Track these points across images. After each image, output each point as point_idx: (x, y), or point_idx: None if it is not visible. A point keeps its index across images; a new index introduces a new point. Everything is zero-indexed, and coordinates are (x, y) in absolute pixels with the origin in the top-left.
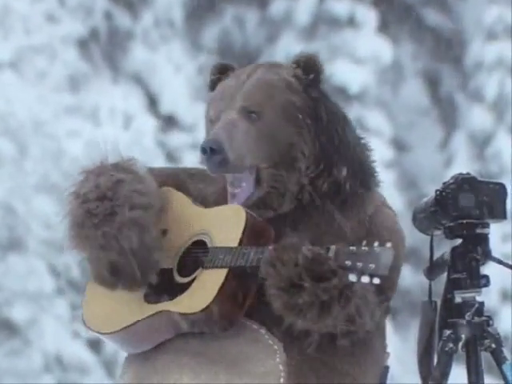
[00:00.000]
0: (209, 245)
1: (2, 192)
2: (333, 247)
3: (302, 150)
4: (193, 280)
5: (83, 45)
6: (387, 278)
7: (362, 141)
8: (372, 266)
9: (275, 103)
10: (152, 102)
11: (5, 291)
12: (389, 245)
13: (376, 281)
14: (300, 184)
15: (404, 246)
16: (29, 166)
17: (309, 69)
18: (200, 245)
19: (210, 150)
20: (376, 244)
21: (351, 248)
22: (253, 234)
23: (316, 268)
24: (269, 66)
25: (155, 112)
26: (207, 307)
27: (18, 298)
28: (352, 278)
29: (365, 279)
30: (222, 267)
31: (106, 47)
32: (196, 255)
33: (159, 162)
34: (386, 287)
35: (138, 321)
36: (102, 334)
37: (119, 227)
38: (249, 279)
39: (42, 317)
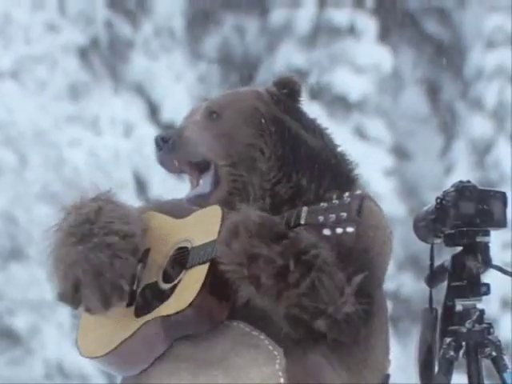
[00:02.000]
0: (189, 248)
1: (3, 201)
2: (305, 208)
3: (262, 150)
4: (178, 283)
5: (84, 54)
6: (355, 253)
7: (338, 148)
8: (344, 214)
9: (238, 106)
10: (153, 111)
11: (6, 300)
12: (358, 192)
13: (350, 229)
14: (263, 188)
15: (391, 241)
16: (30, 174)
17: (283, 85)
18: (183, 251)
19: (161, 139)
20: (346, 194)
21: (322, 204)
22: None
23: (266, 232)
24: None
25: (156, 121)
26: (192, 302)
27: (20, 307)
28: (326, 231)
29: (339, 230)
30: (203, 263)
31: (106, 56)
32: (179, 261)
33: (159, 171)
34: (352, 259)
35: (128, 336)
36: (96, 358)
37: (93, 247)
38: None
39: (44, 325)
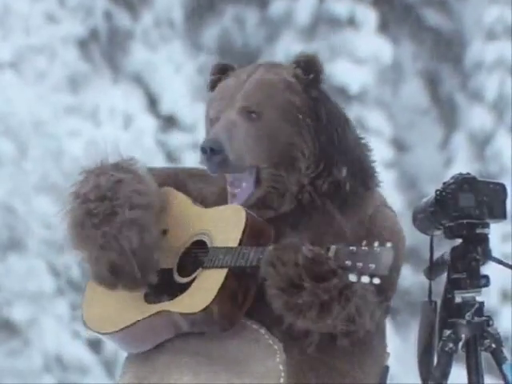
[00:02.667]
0: (209, 245)
1: (1, 192)
2: (333, 247)
3: (302, 150)
4: (193, 280)
5: (83, 45)
6: (387, 279)
7: (362, 141)
8: (372, 266)
9: (275, 103)
10: (152, 102)
11: (5, 291)
12: (389, 245)
13: (376, 281)
14: (300, 184)
15: (404, 246)
16: (29, 165)
17: (309, 69)
18: (200, 245)
19: (210, 150)
20: (376, 244)
21: (351, 248)
22: (253, 234)
23: (316, 268)
24: (269, 65)
25: (155, 112)
26: (207, 307)
27: (18, 298)
28: (352, 278)
29: (365, 279)
30: (221, 267)
31: (105, 47)
32: (196, 255)
33: (159, 162)
34: (386, 287)
35: (138, 321)
36: (102, 334)
37: (119, 227)
38: (249, 279)
39: (42, 317)
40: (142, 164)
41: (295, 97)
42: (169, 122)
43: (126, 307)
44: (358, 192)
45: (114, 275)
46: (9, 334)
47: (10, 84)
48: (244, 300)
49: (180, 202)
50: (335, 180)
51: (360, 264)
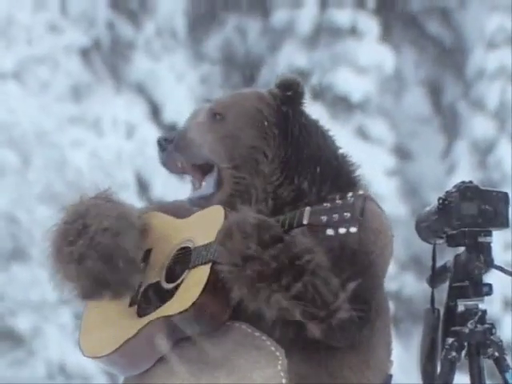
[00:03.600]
0: (192, 248)
1: (5, 202)
2: (307, 208)
3: (265, 152)
4: (180, 283)
5: (86, 55)
6: (349, 256)
7: (340, 151)
8: (347, 214)
9: (241, 108)
10: (155, 112)
11: (8, 301)
12: (361, 192)
13: (353, 229)
14: (266, 191)
15: (391, 245)
16: (32, 175)
17: (286, 87)
18: (185, 251)
19: (164, 141)
20: (350, 194)
21: (325, 204)
22: None
23: (262, 234)
24: (252, 88)
25: (158, 121)
26: (195, 303)
27: (22, 308)
28: (329, 231)
29: (342, 230)
30: (205, 263)
31: (108, 57)
32: (182, 261)
33: (162, 171)
34: (351, 263)
35: (132, 336)
36: (99, 358)
37: (92, 236)
38: None
39: (46, 326)
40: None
41: (264, 106)
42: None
43: (121, 327)
44: (330, 197)
45: (97, 284)
46: (12, 344)
47: (13, 94)
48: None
49: (162, 220)
50: (296, 188)
51: (335, 216)
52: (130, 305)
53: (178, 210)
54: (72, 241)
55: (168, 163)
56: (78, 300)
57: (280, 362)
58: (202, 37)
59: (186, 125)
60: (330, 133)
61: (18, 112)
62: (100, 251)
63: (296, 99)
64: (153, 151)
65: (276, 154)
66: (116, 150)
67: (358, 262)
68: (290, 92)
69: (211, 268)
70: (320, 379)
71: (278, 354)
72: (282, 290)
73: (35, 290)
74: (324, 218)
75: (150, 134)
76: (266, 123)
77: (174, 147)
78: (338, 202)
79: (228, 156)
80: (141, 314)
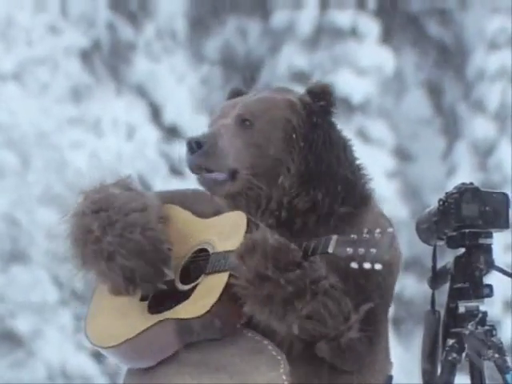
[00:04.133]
0: (211, 252)
1: (5, 203)
2: (334, 236)
3: (288, 167)
4: (195, 286)
5: (86, 56)
6: (370, 279)
7: (357, 161)
8: (373, 250)
9: (271, 116)
10: (155, 113)
11: (8, 302)
12: (390, 230)
13: (378, 266)
14: (280, 202)
15: (399, 264)
16: (32, 177)
17: (319, 97)
18: (203, 253)
19: (195, 143)
20: (378, 231)
21: (352, 236)
22: None
23: (281, 258)
24: (280, 88)
25: (158, 123)
26: (210, 310)
27: (22, 310)
28: (354, 265)
29: (367, 265)
30: (223, 271)
31: (108, 59)
32: (199, 263)
33: (162, 173)
34: (367, 289)
35: (142, 331)
36: (105, 348)
37: (121, 233)
38: None
39: (46, 328)
40: (138, 182)
41: (293, 116)
42: (172, 133)
43: (130, 320)
44: (342, 211)
45: (129, 280)
46: (12, 345)
47: (12, 96)
48: None
49: (181, 216)
50: (310, 199)
51: (362, 250)
52: (142, 299)
53: (197, 201)
54: (98, 236)
55: (193, 166)
56: (111, 292)
57: (282, 366)
58: (202, 38)
59: (214, 127)
60: (351, 142)
61: (17, 113)
62: (131, 248)
63: (328, 109)
64: (153, 152)
65: (298, 168)
66: (116, 152)
67: (372, 285)
68: (322, 102)
69: (228, 277)
70: (320, 381)
71: (279, 358)
72: (295, 311)
73: (35, 291)
74: (350, 251)
75: (150, 135)
76: (294, 136)
77: (204, 153)
78: (366, 236)
79: (250, 164)
80: (152, 310)
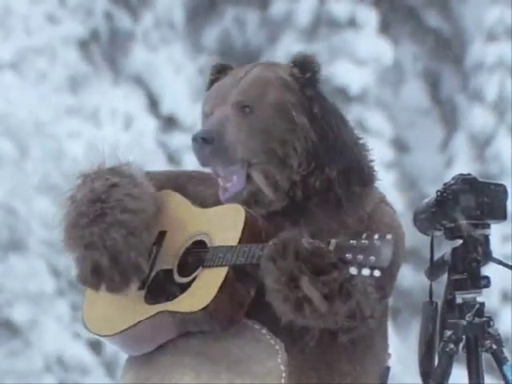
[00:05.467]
0: (208, 244)
1: (2, 192)
2: (333, 241)
3: (295, 146)
4: (193, 279)
5: (84, 46)
6: (386, 273)
7: (360, 141)
8: (372, 258)
9: (269, 99)
10: (152, 103)
11: (5, 292)
12: (389, 237)
13: (377, 273)
14: (291, 181)
15: (403, 243)
16: (29, 166)
17: (306, 68)
18: (200, 245)
19: (202, 140)
20: (376, 237)
21: (351, 241)
22: (252, 233)
23: (316, 261)
24: (266, 64)
25: (156, 113)
26: (208, 306)
27: (19, 299)
28: (353, 271)
29: (365, 272)
30: (222, 266)
31: (106, 48)
32: (196, 255)
33: (160, 163)
34: (386, 282)
35: (139, 322)
36: (102, 336)
37: (106, 228)
38: (249, 278)
39: (43, 317)
40: (139, 167)
41: (290, 94)
42: (169, 123)
43: (127, 309)
44: (353, 190)
45: (96, 276)
46: (9, 335)
47: (10, 85)
48: (244, 299)
49: (178, 203)
50: (326, 178)
51: (360, 257)
52: (139, 288)
53: (188, 182)
54: (87, 223)
55: (205, 161)
56: (76, 281)
57: (280, 356)
58: (201, 28)
59: (215, 117)
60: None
61: (15, 103)
62: (109, 247)
63: (316, 80)
64: (150, 142)
65: (304, 146)
66: (114, 141)
67: (391, 273)
68: (309, 73)
69: (227, 272)
70: (318, 372)
71: (277, 347)
72: (332, 313)
73: (32, 281)
74: (349, 256)
75: (148, 125)
76: (294, 114)
77: (212, 151)
78: (364, 242)
79: (259, 151)
80: (149, 300)
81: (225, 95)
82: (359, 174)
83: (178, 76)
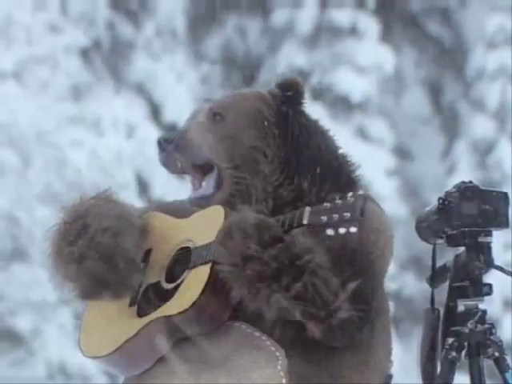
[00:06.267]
0: (192, 247)
1: (5, 202)
2: (307, 208)
3: (265, 152)
4: (180, 283)
5: (86, 55)
6: (350, 259)
7: (343, 154)
8: (347, 214)
9: (241, 109)
10: (155, 112)
11: (8, 301)
12: (361, 192)
13: (353, 229)
14: (266, 191)
15: (391, 246)
16: (32, 175)
17: (286, 87)
18: (186, 250)
19: (164, 141)
20: (350, 194)
21: (325, 204)
22: None
23: (262, 234)
24: (252, 89)
25: (158, 121)
26: (196, 302)
27: (22, 308)
28: (329, 232)
29: (342, 230)
30: (205, 263)
31: (108, 57)
32: (182, 261)
33: (161, 171)
34: (351, 263)
35: (132, 336)
36: (99, 358)
37: (92, 236)
38: None
39: (46, 326)
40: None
41: (264, 106)
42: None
43: (121, 327)
44: (328, 198)
45: (97, 284)
46: (12, 344)
47: (12, 94)
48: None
49: (161, 219)
50: (297, 188)
51: (335, 216)
52: (130, 305)
53: (178, 210)
54: (72, 241)
55: (168, 163)
56: (78, 300)
57: (280, 362)
58: (202, 37)
59: (185, 125)
60: (330, 133)
61: (17, 112)
62: (100, 251)
63: (296, 99)
64: (153, 151)
65: (276, 153)
66: (116, 150)
67: (358, 261)
68: (290, 92)
69: (211, 268)
70: (320, 379)
71: (277, 354)
72: (281, 290)
73: (35, 289)
74: (324, 218)
75: (150, 133)
76: (266, 123)
77: (173, 147)
78: (338, 202)
79: (228, 156)
80: (141, 313)
81: (200, 112)
82: (335, 181)
83: (179, 84)
